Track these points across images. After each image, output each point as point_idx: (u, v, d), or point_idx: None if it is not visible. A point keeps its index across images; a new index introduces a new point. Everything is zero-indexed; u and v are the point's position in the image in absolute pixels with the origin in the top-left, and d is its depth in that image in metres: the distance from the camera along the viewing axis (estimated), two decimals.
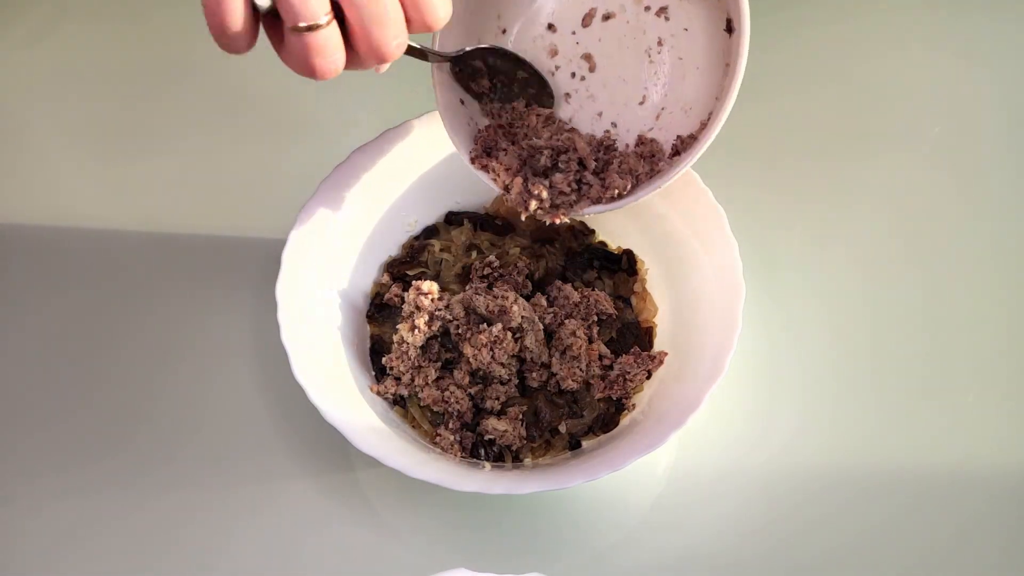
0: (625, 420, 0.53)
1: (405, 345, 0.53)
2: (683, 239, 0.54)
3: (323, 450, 0.55)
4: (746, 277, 0.50)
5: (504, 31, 0.51)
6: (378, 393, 0.54)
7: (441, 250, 0.58)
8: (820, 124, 0.66)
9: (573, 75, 0.52)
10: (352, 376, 0.53)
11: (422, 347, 0.54)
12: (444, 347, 0.54)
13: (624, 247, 0.58)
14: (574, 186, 0.48)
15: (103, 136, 0.66)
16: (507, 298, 0.52)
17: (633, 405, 0.54)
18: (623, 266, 0.57)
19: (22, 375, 0.58)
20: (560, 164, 0.48)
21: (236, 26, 0.36)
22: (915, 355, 0.58)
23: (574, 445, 0.53)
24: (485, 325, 0.52)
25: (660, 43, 0.50)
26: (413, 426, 0.54)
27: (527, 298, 0.55)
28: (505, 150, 0.49)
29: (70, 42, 0.70)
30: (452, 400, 0.53)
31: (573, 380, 0.53)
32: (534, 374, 0.53)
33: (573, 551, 0.53)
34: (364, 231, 0.56)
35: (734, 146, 0.65)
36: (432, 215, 0.59)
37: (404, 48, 0.40)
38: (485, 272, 0.56)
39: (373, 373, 0.55)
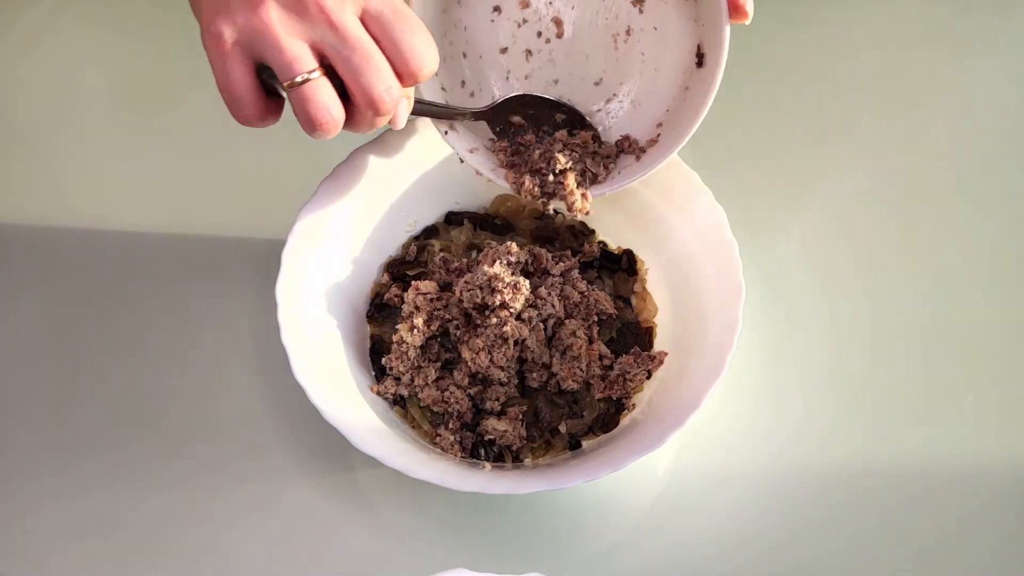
0: (625, 420, 0.53)
1: (404, 345, 0.53)
2: (683, 239, 0.54)
3: (323, 450, 0.55)
4: (746, 277, 0.50)
5: None
6: (378, 393, 0.54)
7: (441, 250, 0.58)
8: (820, 124, 0.66)
9: (539, 34, 0.53)
10: (352, 376, 0.53)
11: (422, 347, 0.54)
12: (444, 347, 0.54)
13: (624, 247, 0.58)
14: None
15: (102, 136, 0.66)
16: (513, 276, 0.52)
17: (633, 405, 0.54)
18: (623, 266, 0.57)
19: (20, 374, 0.58)
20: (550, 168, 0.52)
21: (245, 96, 0.39)
22: (915, 355, 0.58)
23: (574, 445, 0.53)
24: (482, 328, 0.52)
25: (628, 32, 0.52)
26: (413, 426, 0.54)
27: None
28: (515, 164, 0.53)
29: (69, 42, 0.70)
30: (452, 400, 0.53)
31: (573, 380, 0.53)
32: (534, 374, 0.53)
33: (573, 551, 0.53)
34: (364, 231, 0.56)
35: (734, 146, 0.65)
36: (432, 215, 0.59)
37: (396, 98, 0.41)
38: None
39: (373, 373, 0.55)
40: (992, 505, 0.53)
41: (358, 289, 0.56)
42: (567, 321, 0.54)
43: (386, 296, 0.56)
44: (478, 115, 0.52)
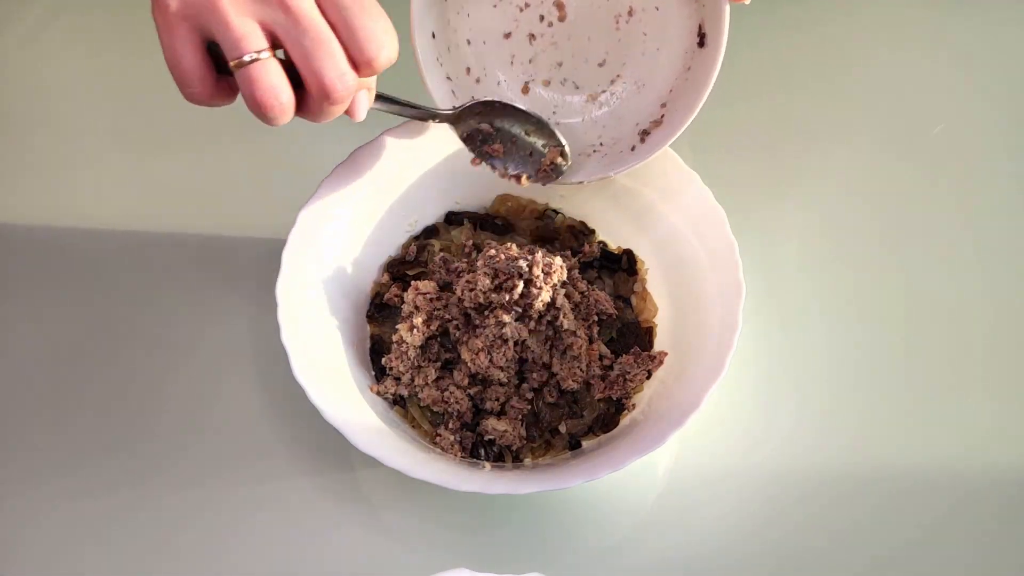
0: (625, 420, 0.53)
1: (404, 345, 0.53)
2: (683, 239, 0.54)
3: (323, 450, 0.55)
4: (746, 277, 0.50)
5: None
6: (378, 393, 0.54)
7: (441, 250, 0.58)
8: (820, 124, 0.66)
9: (542, 18, 0.53)
10: (352, 376, 0.53)
11: (421, 347, 0.54)
12: (444, 347, 0.54)
13: (624, 247, 0.58)
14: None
15: (102, 136, 0.66)
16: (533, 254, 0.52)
17: (633, 405, 0.54)
18: (623, 266, 0.57)
19: (19, 376, 0.58)
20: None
21: (192, 73, 0.37)
22: (915, 355, 0.58)
23: (574, 445, 0.53)
24: (481, 329, 0.52)
25: (631, 12, 0.52)
26: (413, 426, 0.54)
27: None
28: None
29: (69, 42, 0.69)
30: (452, 400, 0.53)
31: (573, 380, 0.53)
32: (534, 375, 0.53)
33: (573, 551, 0.53)
34: (364, 231, 0.56)
35: (734, 146, 0.65)
36: (432, 215, 0.59)
37: (349, 86, 0.39)
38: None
39: (373, 373, 0.55)
40: (992, 503, 0.54)
41: (358, 289, 0.56)
42: (567, 321, 0.54)
43: (386, 296, 0.56)
44: (443, 118, 0.52)
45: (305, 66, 0.38)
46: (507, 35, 0.54)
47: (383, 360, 0.54)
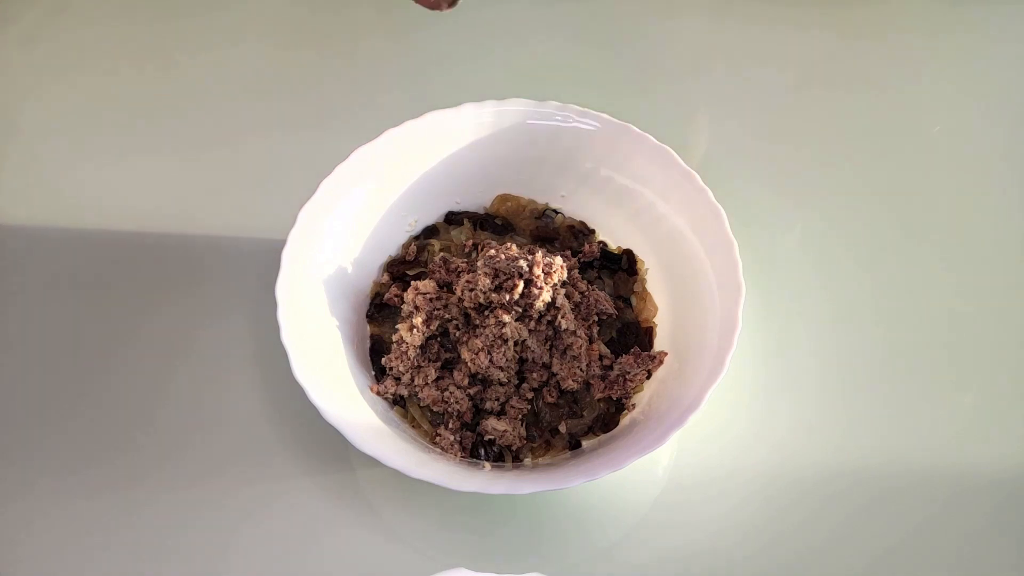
0: (625, 420, 0.53)
1: (404, 345, 0.53)
2: (683, 239, 0.54)
3: (323, 450, 0.55)
4: (746, 277, 0.50)
5: None
6: (378, 393, 0.54)
7: (441, 250, 0.58)
8: (820, 124, 0.66)
9: None
10: (352, 376, 0.53)
11: (421, 347, 0.54)
12: (443, 347, 0.54)
13: (624, 247, 0.58)
14: None
15: (102, 136, 0.66)
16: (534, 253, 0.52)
17: (633, 405, 0.54)
18: (623, 266, 0.57)
19: (19, 376, 0.58)
20: None
21: None
22: (915, 354, 0.58)
23: (574, 445, 0.53)
24: (481, 329, 0.52)
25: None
26: (413, 426, 0.54)
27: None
28: None
29: (69, 42, 0.70)
30: (452, 400, 0.53)
31: (574, 380, 0.53)
32: (534, 375, 0.53)
33: (573, 551, 0.53)
34: (364, 231, 0.56)
35: (734, 146, 0.65)
36: (432, 215, 0.59)
37: None
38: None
39: (373, 373, 0.55)
40: (992, 503, 0.53)
41: (358, 289, 0.56)
42: (567, 321, 0.54)
43: (386, 296, 0.56)
44: None
45: None
46: None
47: (383, 360, 0.54)
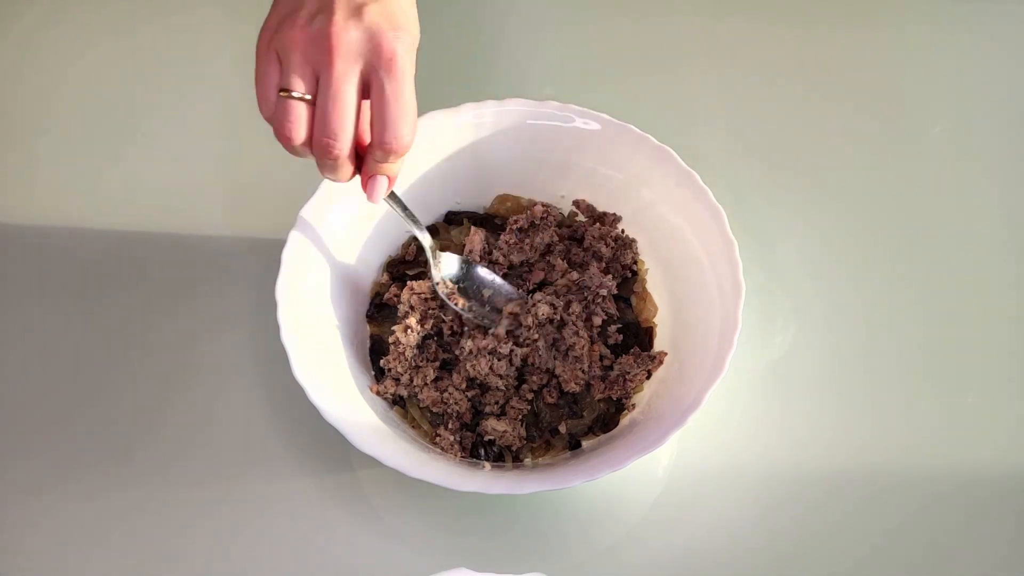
0: (625, 420, 0.53)
1: (401, 345, 0.53)
2: (683, 239, 0.54)
3: (323, 450, 0.55)
4: (746, 277, 0.50)
5: None
6: (378, 393, 0.54)
7: (441, 250, 0.58)
8: (820, 124, 0.66)
9: None
10: (352, 376, 0.53)
11: (418, 347, 0.53)
12: (441, 347, 0.54)
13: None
14: None
15: (102, 137, 0.66)
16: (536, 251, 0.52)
17: (633, 405, 0.54)
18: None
19: (19, 378, 0.57)
20: None
21: (265, 91, 0.44)
22: (914, 355, 0.58)
23: (574, 445, 0.53)
24: (480, 334, 0.53)
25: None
26: (413, 426, 0.54)
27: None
28: None
29: (69, 42, 0.69)
30: (451, 401, 0.53)
31: (576, 383, 0.53)
32: (535, 377, 0.53)
33: (573, 551, 0.53)
34: (364, 231, 0.56)
35: (734, 147, 0.65)
36: (432, 215, 0.59)
37: (334, 154, 0.44)
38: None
39: (373, 373, 0.55)
40: (991, 503, 0.54)
41: (358, 289, 0.56)
42: (566, 319, 0.54)
43: (386, 296, 0.56)
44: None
45: (319, 116, 0.43)
46: None
47: (381, 362, 0.54)
